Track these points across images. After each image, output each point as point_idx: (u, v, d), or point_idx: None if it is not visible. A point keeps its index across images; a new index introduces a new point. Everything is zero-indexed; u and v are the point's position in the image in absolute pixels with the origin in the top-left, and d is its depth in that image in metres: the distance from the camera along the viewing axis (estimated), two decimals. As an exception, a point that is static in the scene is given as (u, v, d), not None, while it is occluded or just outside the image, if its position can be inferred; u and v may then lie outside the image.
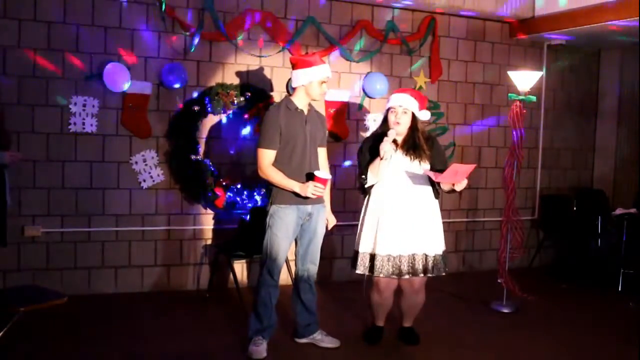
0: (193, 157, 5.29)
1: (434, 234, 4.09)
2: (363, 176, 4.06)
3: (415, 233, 4.02)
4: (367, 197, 4.16)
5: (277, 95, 5.64)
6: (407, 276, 4.03)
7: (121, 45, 5.18)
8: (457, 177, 3.89)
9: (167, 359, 3.97)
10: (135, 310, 4.93)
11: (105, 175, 5.23)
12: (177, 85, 5.29)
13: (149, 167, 5.34)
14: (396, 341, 4.35)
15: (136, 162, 5.30)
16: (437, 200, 4.16)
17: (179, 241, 5.52)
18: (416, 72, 6.24)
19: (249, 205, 5.42)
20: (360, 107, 6.03)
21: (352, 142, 5.94)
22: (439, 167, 4.04)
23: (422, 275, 4.06)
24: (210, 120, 5.50)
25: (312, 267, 4.13)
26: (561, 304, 5.52)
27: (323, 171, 3.96)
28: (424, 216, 4.06)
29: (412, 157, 4.02)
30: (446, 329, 4.70)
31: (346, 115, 5.97)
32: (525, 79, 5.25)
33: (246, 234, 5.13)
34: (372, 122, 5.96)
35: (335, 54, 5.89)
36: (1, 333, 3.51)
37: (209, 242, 5.59)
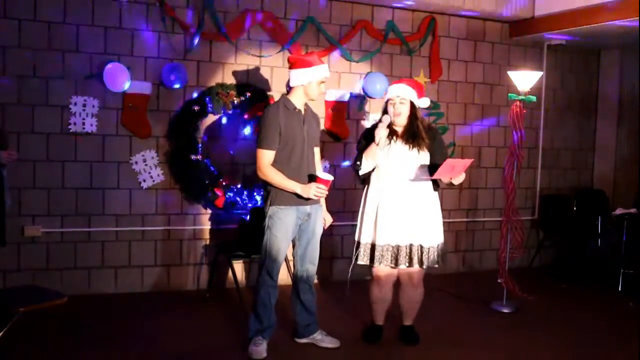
0: (193, 157, 5.29)
1: (430, 226, 4.10)
2: (358, 162, 4.10)
3: (412, 224, 4.04)
4: (367, 186, 4.18)
5: (277, 95, 5.63)
6: (403, 266, 4.06)
7: (121, 45, 5.18)
8: (453, 171, 3.91)
9: (167, 359, 3.97)
10: (135, 310, 4.93)
11: (105, 175, 5.23)
12: (177, 86, 5.29)
13: (149, 167, 5.34)
14: (396, 341, 4.35)
15: (136, 162, 5.30)
16: (436, 193, 4.18)
17: (178, 241, 5.52)
18: (416, 72, 6.24)
19: (249, 205, 5.42)
20: (360, 107, 6.03)
21: (352, 142, 5.94)
22: (439, 160, 4.06)
23: (417, 266, 4.07)
24: (210, 120, 5.50)
25: (311, 267, 4.13)
26: (561, 304, 5.52)
27: (325, 173, 3.95)
28: (422, 208, 4.08)
29: (410, 145, 4.04)
30: (446, 329, 4.70)
31: (346, 115, 5.97)
32: (525, 79, 5.25)
33: (246, 234, 5.13)
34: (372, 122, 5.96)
35: (335, 54, 5.88)
36: (1, 333, 3.51)
37: (209, 242, 5.59)
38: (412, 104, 4.08)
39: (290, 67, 3.98)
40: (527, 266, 6.83)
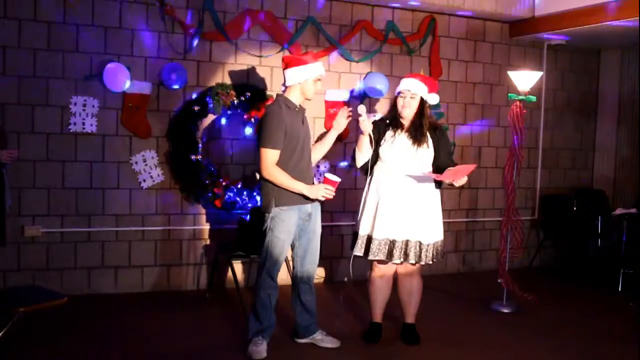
0: (193, 157, 5.29)
1: (430, 224, 4.12)
2: (353, 157, 4.18)
3: (411, 220, 4.06)
4: (370, 177, 4.19)
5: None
6: (397, 261, 4.06)
7: (121, 45, 5.18)
8: (457, 175, 3.95)
9: (167, 359, 3.97)
10: (135, 310, 4.93)
11: (105, 175, 5.23)
12: (177, 86, 5.29)
13: (149, 167, 5.34)
14: (396, 341, 4.35)
15: (136, 162, 5.30)
16: (437, 190, 4.20)
17: (178, 241, 5.52)
18: (416, 72, 6.23)
19: (249, 205, 5.42)
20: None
21: (352, 142, 5.93)
22: (443, 157, 4.12)
23: (412, 261, 4.09)
24: (210, 120, 5.50)
25: (312, 267, 4.13)
26: (561, 304, 5.52)
27: (332, 174, 3.94)
28: (422, 204, 4.10)
29: (413, 141, 4.07)
30: (446, 329, 4.70)
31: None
32: (525, 79, 5.25)
33: (246, 234, 5.12)
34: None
35: (335, 54, 5.88)
36: (1, 333, 3.51)
37: (209, 242, 5.60)
38: (421, 100, 4.11)
39: (285, 67, 3.96)
40: (527, 266, 6.83)
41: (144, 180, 5.33)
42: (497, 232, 6.24)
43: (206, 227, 5.59)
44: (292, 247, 4.13)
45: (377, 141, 4.13)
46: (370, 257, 4.10)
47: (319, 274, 5.77)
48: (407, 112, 4.11)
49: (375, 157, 4.15)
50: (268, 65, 5.67)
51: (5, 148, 4.27)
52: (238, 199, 5.42)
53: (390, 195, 4.07)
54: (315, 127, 5.77)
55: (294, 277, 4.18)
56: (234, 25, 5.48)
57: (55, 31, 4.99)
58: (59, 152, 5.08)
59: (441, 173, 4.03)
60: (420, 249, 4.08)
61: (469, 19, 6.45)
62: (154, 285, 5.46)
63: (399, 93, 4.15)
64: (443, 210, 4.32)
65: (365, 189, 4.23)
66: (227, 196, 5.37)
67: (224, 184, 5.40)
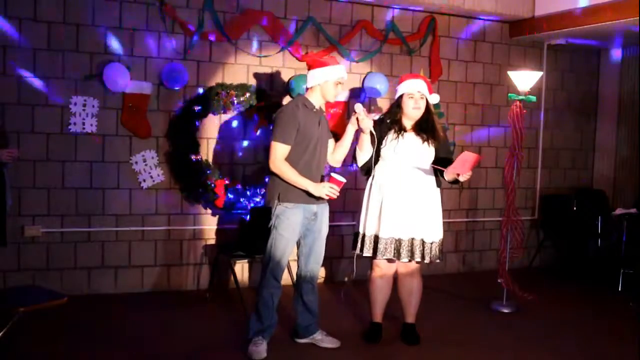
0: (193, 157, 5.29)
1: (432, 222, 4.15)
2: (354, 157, 4.18)
3: (415, 218, 4.08)
4: (371, 178, 4.19)
5: (277, 95, 5.64)
6: (405, 259, 4.08)
7: (121, 45, 5.18)
8: (464, 167, 3.96)
9: (167, 359, 3.97)
10: (135, 310, 4.93)
11: (105, 175, 5.23)
12: (177, 86, 5.29)
13: (149, 167, 5.34)
14: (396, 341, 4.35)
15: (136, 162, 5.30)
16: (438, 189, 4.23)
17: (179, 241, 5.52)
18: (416, 72, 6.23)
19: (249, 205, 5.42)
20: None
21: (352, 142, 5.93)
22: (443, 156, 4.14)
23: (418, 259, 4.11)
24: (210, 120, 5.50)
25: (316, 267, 4.14)
26: (561, 304, 5.52)
27: (338, 174, 3.94)
28: (425, 203, 4.12)
29: (423, 138, 4.10)
30: (446, 329, 4.70)
31: (346, 115, 5.97)
32: (525, 79, 5.25)
33: (246, 234, 5.13)
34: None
35: (335, 54, 5.87)
36: (1, 333, 3.51)
37: (209, 242, 5.59)
38: (426, 99, 4.14)
39: (308, 69, 4.01)
40: (527, 266, 6.83)
41: (144, 180, 5.33)
42: (497, 232, 6.24)
43: (206, 227, 5.58)
44: (298, 245, 4.12)
45: (378, 141, 4.13)
46: (379, 257, 4.11)
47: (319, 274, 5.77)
48: (418, 113, 4.11)
49: (377, 157, 4.15)
50: (268, 65, 5.68)
51: (6, 148, 4.28)
52: (238, 199, 5.42)
53: (395, 195, 4.08)
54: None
55: (297, 276, 4.18)
56: (234, 25, 5.48)
57: (55, 31, 4.99)
58: (59, 152, 5.08)
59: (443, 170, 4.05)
60: (424, 247, 4.10)
61: (469, 19, 6.45)
62: (154, 285, 5.46)
63: (404, 94, 4.13)
64: (443, 210, 4.33)
65: (367, 189, 4.22)
66: (227, 196, 5.36)
67: (224, 184, 5.40)
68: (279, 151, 3.87)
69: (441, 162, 4.09)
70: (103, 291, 5.27)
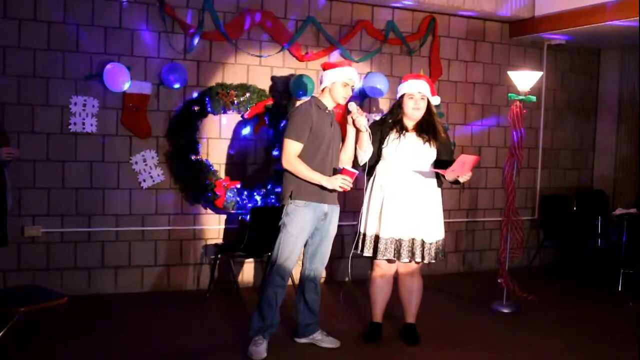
0: (193, 157, 5.29)
1: (433, 222, 4.15)
2: (355, 156, 4.16)
3: (416, 219, 4.08)
4: (372, 178, 4.19)
5: (277, 95, 5.64)
6: (406, 260, 4.08)
7: (121, 45, 5.18)
8: (463, 168, 3.97)
9: (167, 359, 3.97)
10: (135, 310, 4.93)
11: (105, 175, 5.23)
12: (177, 86, 5.30)
13: (149, 167, 5.34)
14: (396, 341, 4.35)
15: (136, 162, 5.30)
16: (439, 189, 4.23)
17: (179, 241, 5.52)
18: (416, 72, 6.23)
19: (249, 205, 5.42)
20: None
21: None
22: (444, 157, 4.15)
23: (419, 260, 4.11)
24: (210, 120, 5.50)
25: (320, 267, 4.14)
26: (561, 304, 5.52)
27: (350, 167, 3.96)
28: (426, 203, 4.13)
29: (424, 139, 4.11)
30: (446, 329, 4.70)
31: (345, 115, 5.96)
32: (525, 79, 5.25)
33: (246, 234, 5.13)
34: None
35: (335, 54, 5.88)
36: (1, 333, 3.51)
37: (209, 242, 5.59)
38: (428, 100, 4.15)
39: (323, 72, 4.07)
40: (527, 266, 6.83)
41: (144, 180, 5.33)
42: (497, 232, 6.24)
43: (206, 227, 5.58)
44: (305, 244, 4.12)
45: (379, 141, 4.13)
46: (379, 257, 4.11)
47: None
48: (418, 114, 4.12)
49: (377, 157, 4.15)
50: (268, 65, 5.68)
51: (7, 147, 4.29)
52: (238, 199, 5.42)
53: (396, 195, 4.08)
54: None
55: (301, 274, 4.18)
56: (234, 25, 5.48)
57: (55, 31, 4.99)
58: (59, 152, 5.08)
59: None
60: (424, 248, 4.10)
61: (469, 19, 6.45)
62: (154, 285, 5.46)
63: (405, 94, 4.14)
64: (443, 210, 4.33)
65: (368, 189, 4.22)
66: (227, 196, 5.36)
67: (224, 184, 5.40)
68: (292, 148, 3.90)
69: (442, 164, 4.10)
70: (103, 291, 5.27)
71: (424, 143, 4.11)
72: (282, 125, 5.54)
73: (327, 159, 3.99)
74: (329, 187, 3.88)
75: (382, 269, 4.24)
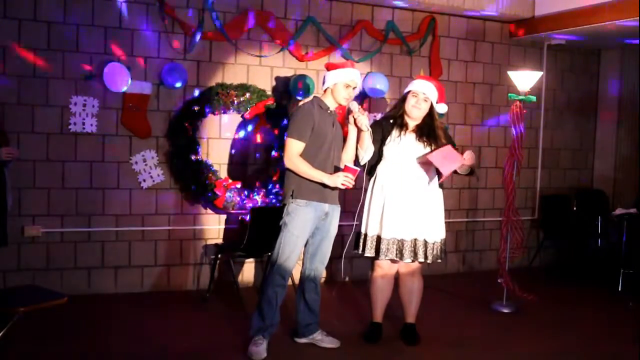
0: (193, 157, 5.29)
1: (434, 222, 4.15)
2: (356, 155, 4.16)
3: (418, 219, 4.08)
4: (374, 178, 4.19)
5: (278, 95, 5.64)
6: (408, 260, 4.08)
7: (121, 45, 5.18)
8: (445, 160, 3.95)
9: (167, 359, 3.97)
10: (135, 310, 4.93)
11: (105, 175, 5.23)
12: (177, 85, 5.30)
13: (149, 167, 5.34)
14: (396, 341, 4.35)
15: (136, 162, 5.30)
16: (440, 190, 4.23)
17: (179, 241, 5.52)
18: (416, 72, 6.24)
19: (249, 205, 5.42)
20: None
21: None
22: None
23: (421, 259, 4.11)
24: (210, 120, 5.50)
25: (320, 266, 4.14)
26: (561, 304, 5.52)
27: (352, 164, 3.96)
28: (427, 203, 4.13)
29: (425, 143, 4.10)
30: (446, 329, 4.70)
31: (346, 115, 5.96)
32: (525, 79, 5.25)
33: (246, 234, 5.13)
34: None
35: (335, 54, 5.88)
36: (1, 333, 3.51)
37: (209, 242, 5.59)
38: (431, 105, 4.14)
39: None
40: (527, 266, 6.83)
41: (144, 180, 5.33)
42: (497, 232, 6.24)
43: (206, 227, 5.58)
44: (305, 244, 4.11)
45: (381, 140, 4.13)
46: (381, 258, 4.11)
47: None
48: (417, 113, 4.11)
49: (378, 156, 4.15)
50: (268, 65, 5.67)
51: (6, 147, 4.29)
52: (238, 199, 5.42)
53: (397, 195, 4.08)
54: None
55: (301, 274, 4.18)
56: (234, 25, 5.48)
57: (55, 31, 4.99)
58: (59, 152, 5.08)
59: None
60: (426, 247, 4.10)
61: (469, 19, 6.45)
62: (154, 285, 5.46)
63: (409, 92, 4.14)
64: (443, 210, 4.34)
65: (369, 189, 4.22)
66: (227, 196, 5.36)
67: (224, 184, 5.40)
68: (294, 147, 3.90)
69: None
70: (103, 291, 5.27)
71: (425, 147, 4.10)
72: (282, 125, 5.55)
73: (329, 160, 4.00)
74: (331, 184, 3.88)
75: (384, 269, 4.24)
